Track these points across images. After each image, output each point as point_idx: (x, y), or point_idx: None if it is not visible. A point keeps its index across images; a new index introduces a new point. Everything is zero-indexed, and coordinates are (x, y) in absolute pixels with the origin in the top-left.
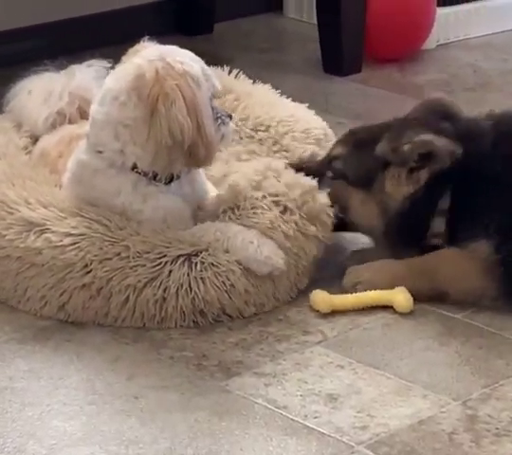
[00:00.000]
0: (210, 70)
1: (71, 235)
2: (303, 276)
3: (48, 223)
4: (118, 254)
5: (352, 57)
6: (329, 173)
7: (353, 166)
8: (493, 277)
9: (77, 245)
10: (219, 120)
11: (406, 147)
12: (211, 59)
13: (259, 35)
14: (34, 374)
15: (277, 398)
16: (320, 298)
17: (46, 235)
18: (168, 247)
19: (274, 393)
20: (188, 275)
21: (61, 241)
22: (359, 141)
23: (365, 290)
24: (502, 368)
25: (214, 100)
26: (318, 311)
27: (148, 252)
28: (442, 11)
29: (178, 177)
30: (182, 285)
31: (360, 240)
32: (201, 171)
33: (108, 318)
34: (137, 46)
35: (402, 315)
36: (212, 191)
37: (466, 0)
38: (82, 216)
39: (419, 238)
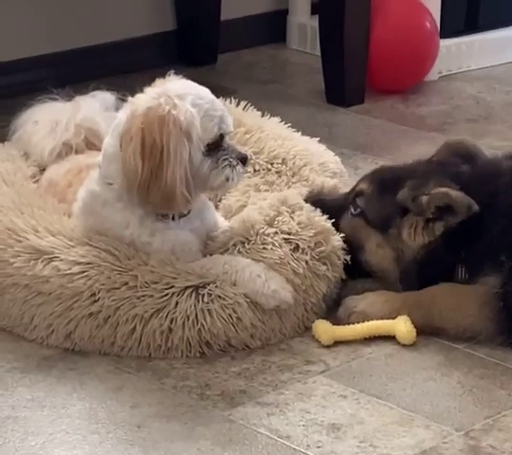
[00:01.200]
0: (223, 109)
1: (79, 264)
2: (312, 313)
3: (57, 251)
4: (126, 284)
5: (355, 88)
6: (351, 209)
7: (374, 206)
8: (489, 314)
9: (85, 274)
10: (225, 162)
11: (424, 198)
12: (215, 90)
13: (262, 66)
14: (37, 403)
15: (280, 428)
16: (322, 329)
17: (54, 263)
18: (175, 278)
19: (277, 423)
20: (195, 306)
21: (69, 269)
22: (384, 182)
23: (359, 321)
24: (504, 398)
25: (226, 139)
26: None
27: (156, 282)
28: (444, 43)
29: (187, 213)
30: (189, 317)
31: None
32: (211, 204)
33: (114, 347)
34: (160, 80)
35: (404, 345)
36: (222, 223)
37: (468, 32)
38: (90, 245)
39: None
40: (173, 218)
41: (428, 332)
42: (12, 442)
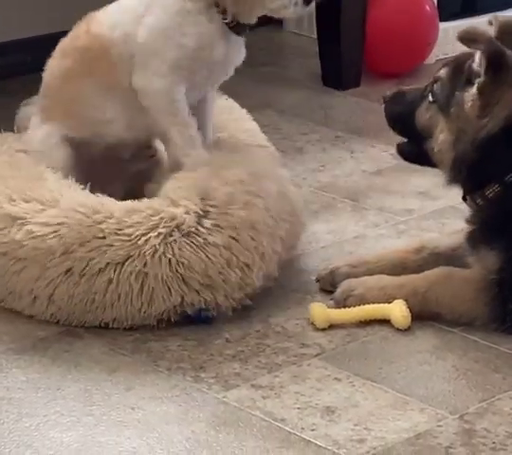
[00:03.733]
0: None
1: (51, 225)
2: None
3: (28, 216)
4: (96, 236)
5: (351, 71)
6: (429, 97)
7: (445, 88)
8: (485, 300)
9: (57, 233)
10: None
11: (474, 64)
12: None
13: (259, 49)
14: (32, 385)
15: (274, 411)
16: (318, 312)
17: (27, 227)
18: (140, 223)
19: (271, 406)
20: (163, 244)
21: (40, 231)
22: (459, 64)
23: (356, 304)
24: (498, 382)
25: None
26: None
27: (121, 230)
28: (441, 26)
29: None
30: (157, 253)
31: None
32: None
33: (94, 305)
34: None
35: (399, 329)
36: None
37: (465, 15)
38: (59, 207)
39: (482, 181)
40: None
41: (424, 317)
42: (6, 423)
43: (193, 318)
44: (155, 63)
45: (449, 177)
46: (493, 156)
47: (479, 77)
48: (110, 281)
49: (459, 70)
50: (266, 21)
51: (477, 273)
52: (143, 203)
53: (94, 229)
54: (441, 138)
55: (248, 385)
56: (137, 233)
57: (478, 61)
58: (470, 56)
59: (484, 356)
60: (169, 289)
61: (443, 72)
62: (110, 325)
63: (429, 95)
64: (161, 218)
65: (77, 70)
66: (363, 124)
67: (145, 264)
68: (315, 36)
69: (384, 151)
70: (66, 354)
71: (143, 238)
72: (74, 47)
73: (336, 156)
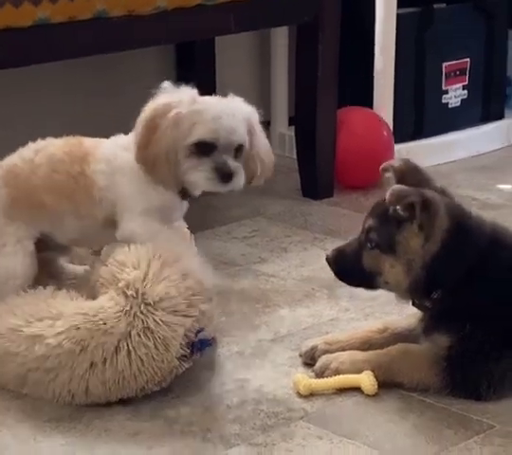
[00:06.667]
0: (226, 128)
1: (62, 333)
2: None
3: (44, 332)
4: (98, 324)
5: (325, 185)
6: (368, 245)
7: (382, 234)
8: (437, 372)
9: (70, 336)
10: (201, 168)
11: (397, 206)
12: None
13: None
14: (70, 447)
15: None
16: (302, 382)
17: (46, 341)
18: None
19: None
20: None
21: (56, 340)
22: (383, 211)
23: (333, 375)
24: (450, 436)
25: (218, 151)
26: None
27: (114, 310)
28: (397, 147)
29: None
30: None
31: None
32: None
33: (126, 379)
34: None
35: (369, 395)
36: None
37: (418, 138)
38: (64, 317)
39: (429, 290)
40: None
41: (388, 384)
42: None
43: (197, 343)
44: (129, 215)
45: (403, 296)
46: (437, 270)
47: (413, 218)
48: (128, 353)
49: (384, 218)
50: None
51: (430, 349)
52: (104, 296)
53: (95, 321)
54: (394, 272)
55: (246, 443)
56: (121, 308)
57: (402, 208)
58: (383, 205)
59: (439, 416)
60: (169, 326)
61: (372, 223)
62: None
63: (368, 243)
64: (124, 293)
65: (62, 187)
66: (336, 227)
67: (143, 321)
68: (295, 156)
69: None
70: (97, 421)
71: (126, 307)
72: (66, 169)
73: (314, 254)
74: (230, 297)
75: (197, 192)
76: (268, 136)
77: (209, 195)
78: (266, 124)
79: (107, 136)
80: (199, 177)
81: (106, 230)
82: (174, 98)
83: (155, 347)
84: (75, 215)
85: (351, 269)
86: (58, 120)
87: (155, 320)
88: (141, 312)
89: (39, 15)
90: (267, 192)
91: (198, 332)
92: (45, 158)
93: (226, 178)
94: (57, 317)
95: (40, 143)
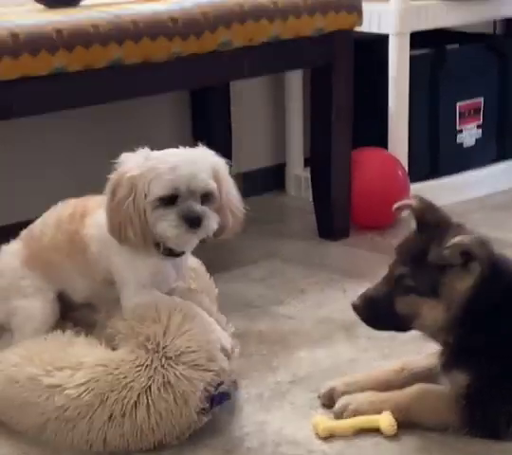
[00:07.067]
0: (182, 176)
1: (83, 384)
2: None
3: (64, 382)
4: (118, 378)
5: (341, 225)
6: (400, 290)
7: (420, 280)
8: (456, 411)
9: (90, 389)
10: (167, 217)
11: (446, 252)
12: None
13: (266, 210)
14: None
15: None
16: (320, 424)
17: (66, 392)
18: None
19: None
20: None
21: (77, 392)
22: (415, 256)
23: (351, 416)
24: None
25: (181, 199)
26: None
27: (132, 364)
28: (413, 187)
29: (182, 253)
30: (163, 362)
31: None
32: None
33: (144, 431)
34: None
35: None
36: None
37: (433, 177)
38: (84, 368)
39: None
40: (167, 254)
41: (407, 424)
42: None
43: (216, 397)
44: (127, 291)
45: (436, 335)
46: (472, 309)
47: (467, 263)
48: (147, 407)
49: (421, 264)
50: (272, 187)
51: (449, 389)
52: (124, 349)
53: (115, 375)
54: (433, 314)
55: None
56: (142, 362)
57: (453, 254)
58: (411, 249)
59: None
60: (189, 381)
61: (404, 270)
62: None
63: (401, 289)
64: (145, 346)
65: (63, 246)
66: (352, 268)
67: (163, 376)
68: (311, 198)
69: None
70: None
71: (147, 361)
72: (67, 229)
73: (331, 295)
74: (249, 338)
75: (173, 245)
76: (284, 178)
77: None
78: (282, 167)
79: None
80: (166, 226)
81: (113, 289)
82: (129, 163)
83: (175, 401)
84: (79, 274)
85: (383, 315)
86: (70, 169)
87: (175, 375)
88: (162, 366)
89: (56, 64)
90: (283, 234)
91: (218, 385)
92: (54, 219)
93: (194, 223)
94: (77, 367)
95: (60, 204)
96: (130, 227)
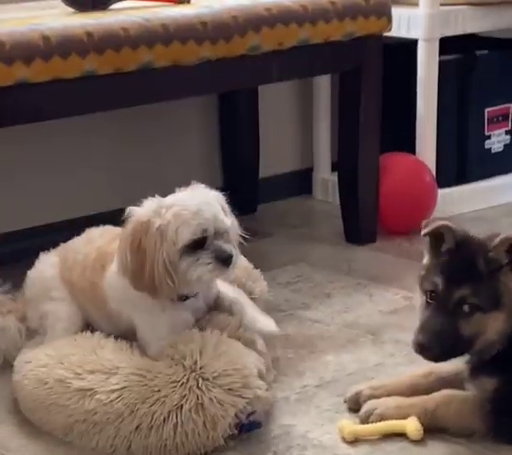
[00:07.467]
0: (206, 219)
1: (115, 391)
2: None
3: (96, 386)
4: (153, 391)
5: (368, 230)
6: (462, 313)
7: (481, 295)
8: (482, 417)
9: (121, 397)
10: (201, 261)
11: (491, 254)
12: (255, 234)
13: (293, 214)
14: None
15: None
16: (346, 428)
17: (97, 396)
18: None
19: None
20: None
21: (108, 398)
22: (465, 274)
23: (378, 421)
24: None
25: (209, 241)
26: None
27: (169, 380)
28: (441, 192)
29: (194, 295)
30: (199, 382)
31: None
32: (217, 284)
33: (167, 447)
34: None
35: (414, 440)
36: (228, 294)
37: (459, 183)
38: (120, 374)
39: None
40: (182, 299)
41: (434, 430)
42: None
43: (246, 425)
44: (149, 347)
45: (491, 347)
46: None
47: (503, 261)
48: (175, 425)
49: (476, 280)
50: (299, 191)
51: (475, 394)
52: (164, 361)
53: (150, 386)
54: (496, 325)
55: None
56: (178, 378)
57: (498, 254)
58: (466, 268)
59: None
60: (222, 405)
61: (464, 291)
62: None
63: (463, 311)
64: (182, 364)
65: (88, 293)
66: (379, 273)
67: (197, 397)
68: (338, 202)
69: (396, 294)
70: None
71: (183, 379)
72: (89, 278)
73: (358, 300)
74: (275, 342)
75: (199, 288)
76: (311, 182)
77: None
78: (309, 171)
79: (150, 187)
80: (204, 270)
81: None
82: (145, 212)
83: (204, 424)
84: (102, 319)
85: (450, 346)
86: (96, 169)
87: (209, 398)
88: (198, 386)
89: (86, 67)
90: (310, 238)
91: (249, 414)
92: (82, 258)
93: (227, 263)
94: (112, 371)
95: (96, 231)
96: (169, 277)
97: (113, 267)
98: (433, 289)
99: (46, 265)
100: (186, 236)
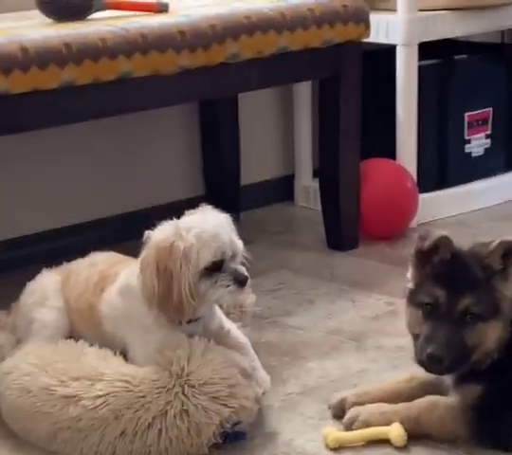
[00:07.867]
0: (223, 241)
1: (101, 397)
2: None
3: (80, 392)
4: (138, 397)
5: (350, 236)
6: (467, 324)
7: (482, 302)
8: (465, 422)
9: (107, 403)
10: (220, 283)
11: (487, 260)
12: None
13: (275, 220)
14: None
15: None
16: (330, 435)
17: (81, 402)
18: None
19: None
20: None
21: (93, 404)
22: (466, 284)
23: (362, 427)
24: None
25: (226, 264)
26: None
27: (155, 386)
28: (421, 197)
29: (195, 320)
30: (184, 389)
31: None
32: (216, 309)
33: (152, 454)
34: (189, 211)
35: (398, 447)
36: (227, 325)
37: (442, 187)
38: (105, 380)
39: None
40: (181, 323)
41: (417, 436)
42: None
43: (231, 435)
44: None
45: (488, 356)
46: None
47: (507, 265)
48: (160, 431)
49: (476, 288)
50: (280, 198)
51: (458, 400)
52: (149, 367)
53: (135, 392)
54: (496, 335)
55: None
56: (164, 384)
57: (494, 260)
58: (468, 277)
59: None
60: (207, 413)
61: (468, 301)
62: None
63: (466, 321)
64: (168, 369)
65: (85, 314)
66: (362, 278)
67: (182, 403)
68: (320, 209)
69: (379, 299)
70: None
71: (168, 385)
72: (88, 300)
73: (340, 306)
74: (258, 350)
75: (205, 312)
76: (293, 189)
77: None
78: (291, 178)
79: (131, 195)
80: (223, 292)
81: None
82: (166, 236)
83: (188, 431)
84: (97, 340)
85: (461, 357)
86: (78, 178)
87: (194, 405)
88: (183, 393)
89: (65, 78)
90: (292, 245)
91: (235, 424)
92: (83, 281)
93: (243, 284)
94: (97, 377)
95: (100, 256)
96: (192, 299)
97: (112, 288)
98: (432, 301)
99: (49, 279)
100: (207, 258)
